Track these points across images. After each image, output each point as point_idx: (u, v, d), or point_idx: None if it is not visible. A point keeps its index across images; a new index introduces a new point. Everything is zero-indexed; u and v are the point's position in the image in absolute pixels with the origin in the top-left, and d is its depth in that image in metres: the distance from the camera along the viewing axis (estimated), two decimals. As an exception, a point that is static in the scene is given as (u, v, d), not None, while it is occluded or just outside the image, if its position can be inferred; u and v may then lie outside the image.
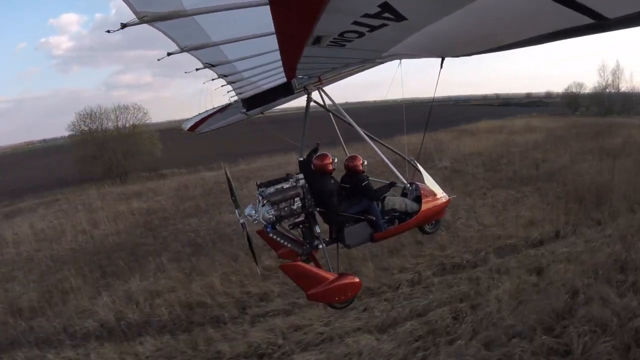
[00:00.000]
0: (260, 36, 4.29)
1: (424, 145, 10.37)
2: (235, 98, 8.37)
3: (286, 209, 6.96)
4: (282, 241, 7.20)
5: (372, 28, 4.37)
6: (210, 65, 5.11)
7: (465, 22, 3.97)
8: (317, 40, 4.83)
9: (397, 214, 7.79)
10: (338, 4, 3.64)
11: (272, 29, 4.32)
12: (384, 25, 4.26)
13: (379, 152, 7.47)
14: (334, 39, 4.86)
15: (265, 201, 6.92)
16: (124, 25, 2.94)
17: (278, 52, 5.16)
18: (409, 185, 8.11)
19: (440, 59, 5.88)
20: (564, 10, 2.67)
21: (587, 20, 2.82)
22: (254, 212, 7.06)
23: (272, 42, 4.73)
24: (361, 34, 4.61)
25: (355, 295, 7.21)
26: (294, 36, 4.62)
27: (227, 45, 4.51)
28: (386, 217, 7.69)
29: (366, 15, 3.81)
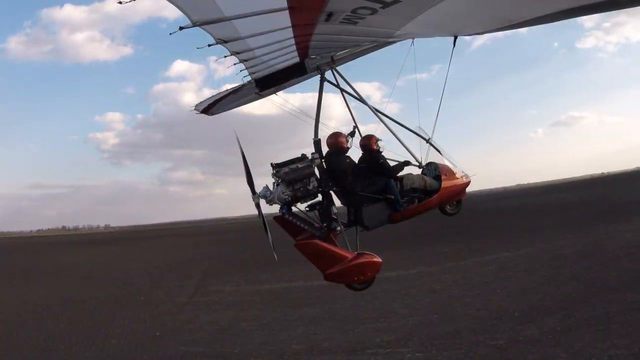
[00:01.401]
0: (272, 11, 4.28)
1: None
2: (249, 78, 8.37)
3: (302, 189, 6.88)
4: (298, 223, 7.07)
5: (385, 4, 4.34)
6: (223, 42, 5.11)
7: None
8: (329, 17, 4.82)
9: (416, 194, 7.60)
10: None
11: (285, 4, 4.35)
12: (396, 1, 4.22)
13: (394, 132, 7.38)
14: (347, 15, 4.83)
15: (280, 181, 6.88)
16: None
17: (291, 28, 5.17)
18: (424, 164, 7.92)
19: (452, 38, 5.81)
20: None
21: None
22: (269, 192, 6.98)
23: (285, 18, 4.74)
24: (374, 11, 4.58)
25: (375, 275, 7.03)
26: (305, 10, 4.63)
27: (239, 20, 4.52)
28: (405, 198, 7.50)
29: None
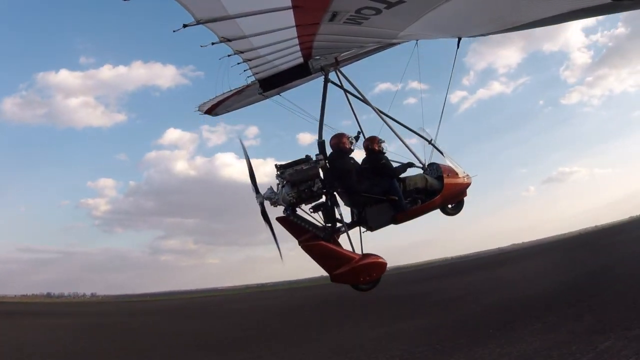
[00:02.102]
0: (276, 10, 4.27)
1: None
2: (252, 79, 8.37)
3: (306, 190, 6.90)
4: (303, 224, 7.07)
5: (389, 4, 4.33)
6: (226, 40, 5.12)
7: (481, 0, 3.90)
8: (334, 17, 4.81)
9: (419, 195, 7.63)
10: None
11: (289, 3, 4.34)
12: (400, 2, 4.21)
13: (398, 134, 7.36)
14: (351, 15, 4.82)
15: (285, 182, 6.89)
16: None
17: (295, 28, 5.17)
18: (427, 165, 7.96)
19: (456, 40, 5.79)
20: None
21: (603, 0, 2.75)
22: (273, 194, 7.01)
23: (289, 17, 4.73)
24: (378, 11, 4.57)
25: (380, 276, 7.10)
26: (309, 10, 4.62)
27: (243, 19, 4.52)
28: (408, 198, 7.51)
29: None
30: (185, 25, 4.20)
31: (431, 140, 7.99)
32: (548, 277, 16.99)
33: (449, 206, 8.08)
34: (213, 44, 4.98)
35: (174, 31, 4.20)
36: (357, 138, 7.71)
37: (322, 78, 7.57)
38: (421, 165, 7.97)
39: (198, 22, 4.23)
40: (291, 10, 4.29)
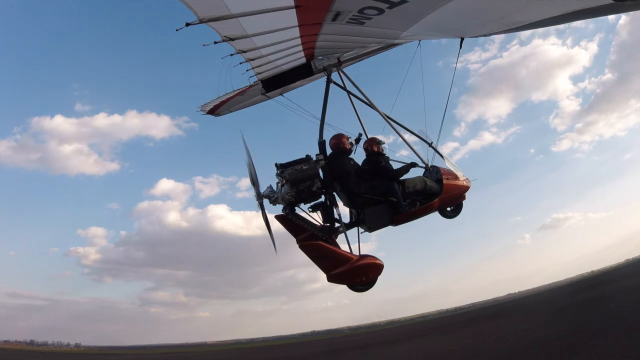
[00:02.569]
0: (279, 9, 4.28)
1: None
2: (255, 79, 8.37)
3: (306, 189, 6.92)
4: (301, 223, 7.10)
5: (392, 4, 4.32)
6: (229, 39, 5.11)
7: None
8: (336, 16, 4.81)
9: (418, 197, 7.66)
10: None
11: (292, 2, 4.34)
12: (403, 1, 4.21)
13: (400, 134, 7.37)
14: (354, 15, 4.82)
15: (284, 181, 6.92)
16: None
17: (297, 28, 5.17)
18: (430, 166, 7.96)
19: (459, 40, 5.78)
20: None
21: (606, 0, 2.74)
22: (272, 192, 7.05)
23: (292, 16, 4.73)
24: (381, 11, 4.56)
25: (377, 277, 7.10)
26: (312, 9, 4.62)
27: (246, 18, 4.52)
28: (407, 200, 7.54)
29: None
30: (188, 24, 4.20)
31: (432, 143, 8.02)
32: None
33: (448, 209, 8.11)
34: (216, 42, 4.98)
35: (176, 30, 4.19)
36: (357, 140, 7.71)
37: (324, 78, 7.58)
38: (424, 165, 7.97)
39: (201, 21, 4.24)
40: (294, 9, 4.29)
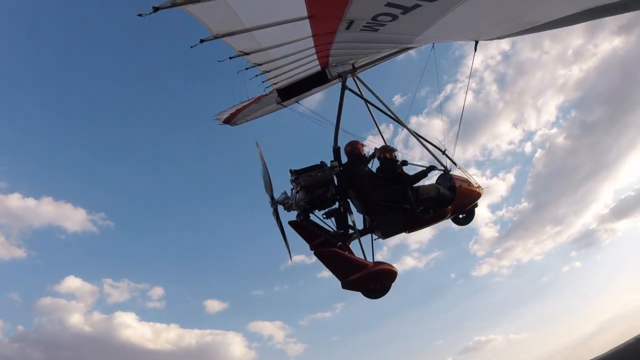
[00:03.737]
0: (293, 21, 4.27)
1: None
2: (270, 89, 8.42)
3: (320, 196, 6.93)
4: (315, 230, 7.10)
5: (406, 10, 4.28)
6: (244, 54, 5.15)
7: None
8: (350, 25, 4.78)
9: (431, 203, 7.59)
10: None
11: (305, 13, 4.34)
12: (417, 6, 4.15)
13: (417, 139, 7.33)
14: (367, 23, 4.79)
15: (299, 188, 6.91)
16: (156, 9, 2.96)
17: (311, 38, 5.17)
18: (440, 175, 7.96)
19: (473, 43, 5.69)
20: None
21: None
22: (287, 199, 7.06)
23: (306, 27, 4.73)
24: (394, 17, 4.52)
25: (391, 284, 7.10)
26: (326, 19, 4.61)
27: (259, 31, 4.54)
28: (420, 207, 7.47)
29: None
30: (202, 40, 4.22)
31: (445, 150, 7.98)
32: None
33: (460, 216, 8.15)
34: (231, 58, 5.02)
35: (191, 47, 4.21)
36: (373, 156, 7.70)
37: (340, 84, 7.57)
38: (442, 168, 7.95)
39: (215, 37, 4.26)
40: (307, 20, 4.28)
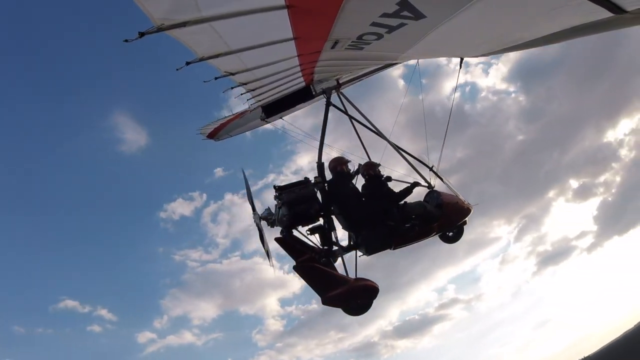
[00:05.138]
0: (278, 42, 4.26)
1: None
2: (254, 104, 8.40)
3: (303, 212, 6.89)
4: (298, 246, 7.04)
5: (391, 29, 4.30)
6: (229, 74, 5.12)
7: (482, 17, 3.87)
8: (335, 44, 4.80)
9: (417, 221, 7.52)
10: (355, 4, 3.61)
11: (290, 35, 4.34)
12: (402, 25, 4.19)
13: (402, 156, 7.36)
14: (353, 42, 4.80)
15: (282, 203, 6.89)
16: (142, 34, 2.90)
17: (296, 57, 5.17)
18: (427, 193, 7.96)
19: (459, 60, 5.79)
20: (581, 3, 2.57)
21: (605, 13, 2.72)
22: (271, 214, 7.03)
23: (291, 48, 4.73)
24: (380, 36, 4.54)
25: (372, 300, 7.08)
26: (311, 40, 4.62)
27: (245, 52, 4.52)
28: (406, 224, 7.43)
29: (384, 15, 3.75)
30: (188, 63, 4.18)
31: (432, 167, 8.02)
32: None
33: (449, 234, 8.08)
34: (216, 78, 4.98)
35: (177, 69, 4.16)
36: (357, 172, 7.63)
37: (324, 101, 7.60)
38: (426, 185, 7.96)
39: (201, 59, 4.22)
40: (292, 41, 4.27)
